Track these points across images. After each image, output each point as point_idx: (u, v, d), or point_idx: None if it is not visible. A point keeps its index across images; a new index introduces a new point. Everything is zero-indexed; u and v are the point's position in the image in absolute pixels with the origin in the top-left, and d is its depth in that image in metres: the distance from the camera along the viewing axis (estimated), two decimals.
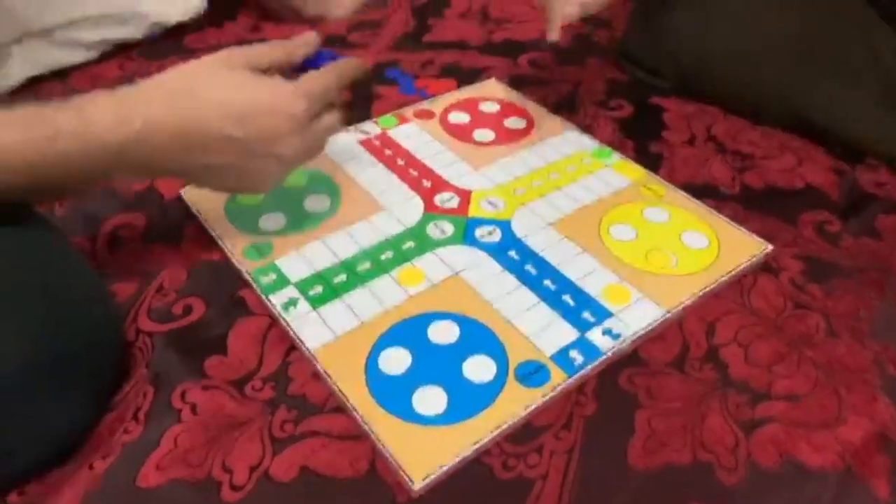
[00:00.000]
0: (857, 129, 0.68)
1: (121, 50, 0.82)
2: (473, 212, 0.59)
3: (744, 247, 0.56)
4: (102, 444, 0.44)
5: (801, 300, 0.53)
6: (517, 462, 0.42)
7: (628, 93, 0.75)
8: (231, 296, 0.53)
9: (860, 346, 0.49)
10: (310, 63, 0.54)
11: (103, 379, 0.46)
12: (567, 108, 0.73)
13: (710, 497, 0.40)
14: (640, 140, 0.68)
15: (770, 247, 0.56)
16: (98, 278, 0.48)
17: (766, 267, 0.55)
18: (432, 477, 0.41)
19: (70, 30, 0.78)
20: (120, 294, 0.53)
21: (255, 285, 0.52)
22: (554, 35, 0.61)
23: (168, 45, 0.84)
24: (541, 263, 0.54)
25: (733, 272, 0.54)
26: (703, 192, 0.62)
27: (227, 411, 0.45)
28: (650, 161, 0.65)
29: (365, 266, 0.54)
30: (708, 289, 0.52)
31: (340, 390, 0.45)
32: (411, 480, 0.40)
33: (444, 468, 0.41)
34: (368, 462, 0.42)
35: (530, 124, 0.70)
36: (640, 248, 0.55)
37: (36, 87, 0.77)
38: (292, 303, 0.51)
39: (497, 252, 0.55)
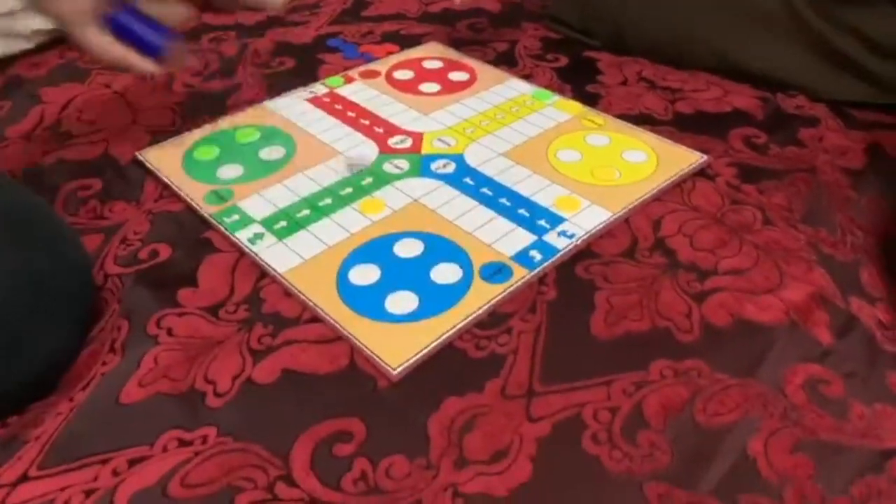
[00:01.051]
0: (774, 68, 0.73)
1: (60, 39, 0.83)
2: (427, 149, 0.62)
3: (681, 158, 0.60)
4: (80, 378, 0.44)
5: (737, 198, 0.57)
6: (488, 343, 0.44)
7: (562, 48, 0.80)
8: (196, 238, 0.54)
9: (795, 231, 0.53)
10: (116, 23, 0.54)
11: (81, 313, 0.46)
12: (507, 62, 0.77)
13: (671, 353, 0.43)
14: (578, 84, 0.72)
15: (705, 157, 0.60)
16: (64, 221, 0.49)
17: (702, 174, 0.59)
18: (410, 362, 0.42)
19: (6, 20, 0.78)
20: (86, 247, 0.53)
21: (219, 226, 0.54)
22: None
23: None
24: (495, 186, 0.57)
25: (673, 178, 0.57)
26: (639, 120, 0.66)
27: (204, 333, 0.46)
28: (588, 99, 0.69)
29: (326, 201, 0.56)
30: (651, 192, 0.56)
31: (314, 303, 0.47)
32: (390, 367, 0.42)
33: (420, 354, 0.43)
34: (348, 358, 0.44)
35: (473, 76, 0.73)
36: (585, 166, 0.59)
37: None
38: (258, 237, 0.52)
39: (453, 180, 0.58)
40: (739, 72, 0.74)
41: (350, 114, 0.67)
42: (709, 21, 0.74)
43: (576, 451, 0.38)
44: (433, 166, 0.59)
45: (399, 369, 0.42)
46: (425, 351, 0.43)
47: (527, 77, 0.73)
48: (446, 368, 0.43)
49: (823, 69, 0.72)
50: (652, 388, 0.41)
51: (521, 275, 0.48)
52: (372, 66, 0.75)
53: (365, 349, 0.43)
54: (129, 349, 0.45)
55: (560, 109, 0.67)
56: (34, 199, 0.49)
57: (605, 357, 0.43)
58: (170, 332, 0.46)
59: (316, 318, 0.46)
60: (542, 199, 0.55)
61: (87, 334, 0.47)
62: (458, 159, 0.60)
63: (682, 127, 0.65)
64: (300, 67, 0.76)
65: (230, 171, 0.59)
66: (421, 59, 0.76)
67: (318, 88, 0.71)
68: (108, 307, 0.49)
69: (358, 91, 0.70)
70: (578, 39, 0.81)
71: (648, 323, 0.45)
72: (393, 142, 0.63)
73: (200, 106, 0.70)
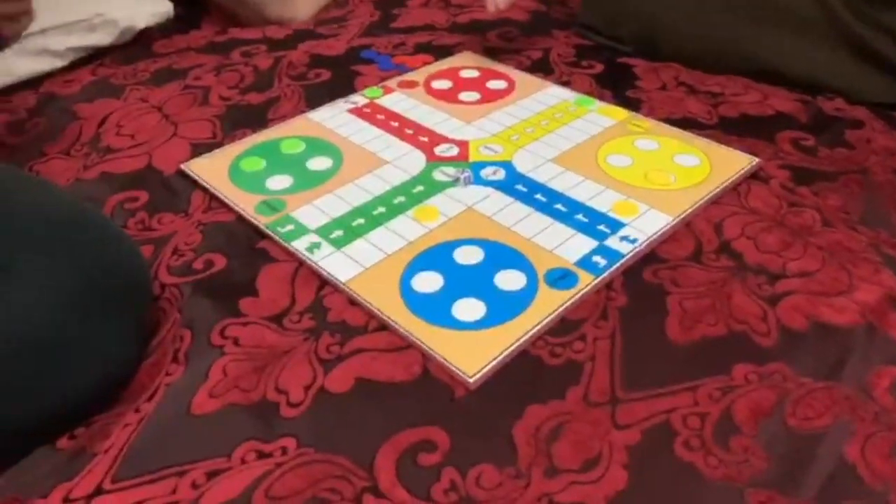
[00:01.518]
0: (812, 72, 0.73)
1: (92, 56, 0.82)
2: (474, 157, 0.61)
3: (733, 161, 0.59)
4: (144, 389, 0.43)
5: (793, 200, 0.56)
6: (563, 350, 0.43)
7: (596, 55, 0.79)
8: (251, 248, 0.53)
9: (855, 233, 0.53)
10: None
11: (139, 320, 0.45)
12: (543, 69, 0.76)
13: (752, 357, 0.42)
14: (617, 90, 0.72)
15: (757, 159, 0.60)
16: (118, 226, 0.48)
17: (755, 177, 0.59)
18: (486, 370, 0.42)
19: (41, 38, 0.77)
20: None
21: (274, 236, 0.53)
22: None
23: (137, 50, 0.85)
24: (548, 192, 0.56)
25: (728, 181, 0.57)
26: (683, 124, 0.66)
27: (270, 342, 0.45)
28: (630, 105, 0.69)
29: (380, 210, 0.55)
30: (708, 196, 0.55)
31: (380, 311, 0.46)
32: (466, 375, 0.41)
33: (495, 361, 0.42)
34: (421, 367, 0.43)
35: (511, 84, 0.73)
36: (638, 171, 0.58)
37: (8, 97, 0.77)
38: (315, 246, 0.52)
39: (505, 187, 0.57)
40: (776, 75, 0.73)
41: (393, 123, 0.66)
42: (744, 26, 0.74)
43: (669, 458, 0.37)
44: (483, 173, 0.59)
45: (476, 377, 0.41)
46: (500, 358, 0.42)
47: (565, 84, 0.73)
48: (523, 376, 0.42)
49: (861, 71, 0.71)
50: (738, 392, 0.40)
51: (587, 281, 0.48)
52: (409, 77, 0.74)
53: (438, 357, 0.43)
54: (193, 359, 0.44)
55: (604, 115, 0.67)
56: (86, 206, 0.48)
57: (685, 362, 0.42)
58: (236, 342, 0.45)
59: (383, 327, 0.46)
60: (599, 205, 0.54)
61: (146, 343, 0.46)
62: (508, 166, 0.60)
63: (728, 130, 0.65)
64: (337, 79, 0.75)
65: (279, 182, 0.59)
66: (457, 69, 0.76)
67: (358, 99, 0.71)
68: (166, 317, 0.48)
69: (398, 101, 0.70)
70: (609, 46, 0.81)
71: (724, 327, 0.44)
72: (440, 150, 0.62)
73: (240, 118, 0.69)
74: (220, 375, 0.43)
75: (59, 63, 0.80)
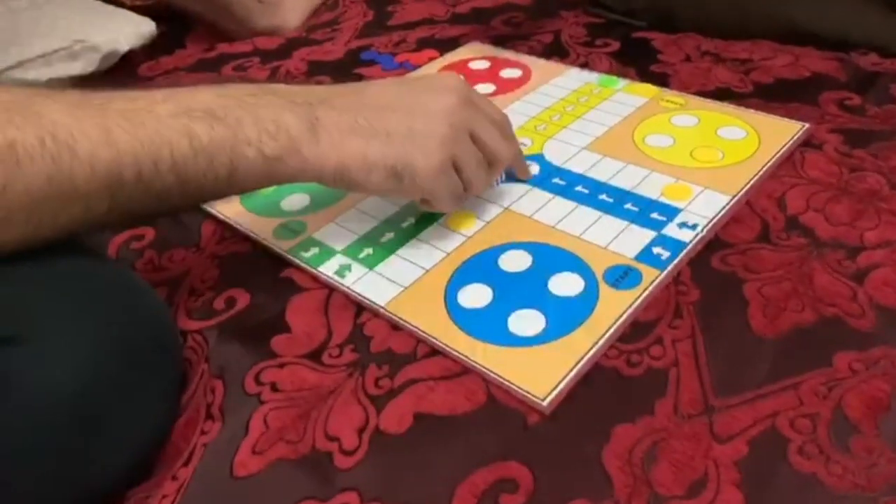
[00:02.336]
0: (840, 29, 0.68)
1: (75, 85, 0.77)
2: None
3: (781, 130, 0.55)
4: (180, 452, 0.39)
5: (853, 164, 0.52)
6: (640, 357, 0.39)
7: (610, 32, 0.75)
8: (275, 278, 0.48)
9: None
10: None
11: (171, 379, 0.41)
12: (556, 53, 0.72)
13: (852, 344, 0.38)
14: (640, 66, 0.67)
15: (806, 125, 0.55)
16: (137, 275, 0.44)
17: (806, 144, 0.54)
18: (559, 389, 0.37)
19: (19, 71, 0.73)
20: None
21: (298, 262, 0.48)
22: None
23: (122, 75, 0.80)
24: (590, 182, 0.52)
25: (781, 151, 0.52)
26: (718, 95, 0.61)
27: (312, 383, 0.40)
28: (657, 80, 0.64)
29: (409, 222, 0.50)
30: (764, 170, 0.51)
31: (429, 334, 0.41)
32: (538, 398, 0.37)
33: (567, 379, 0.38)
34: (484, 393, 0.38)
35: (527, 72, 0.68)
36: (681, 150, 0.54)
37: None
38: (346, 268, 0.47)
39: (541, 182, 0.53)
40: (803, 35, 0.69)
41: None
42: None
43: (787, 471, 0.32)
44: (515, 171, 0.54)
45: (549, 399, 0.37)
46: (572, 374, 0.38)
47: (584, 66, 0.69)
48: (602, 392, 0.37)
49: (892, 23, 0.67)
50: (846, 385, 0.36)
51: (651, 276, 0.43)
52: (417, 74, 0.70)
53: (502, 380, 0.38)
54: (229, 413, 0.40)
55: (633, 94, 0.62)
56: (97, 256, 0.43)
57: (778, 357, 0.38)
58: (274, 388, 0.40)
59: (435, 351, 0.41)
60: (647, 191, 0.50)
61: (178, 401, 0.42)
62: (539, 159, 0.55)
63: (768, 97, 0.61)
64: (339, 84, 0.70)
65: (296, 202, 0.54)
66: (466, 61, 0.71)
67: None
68: (194, 368, 0.43)
69: None
70: (623, 21, 0.77)
71: (813, 312, 0.40)
72: None
73: None
74: (262, 428, 0.38)
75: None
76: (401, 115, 0.42)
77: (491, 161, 0.46)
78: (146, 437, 0.38)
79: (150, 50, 0.85)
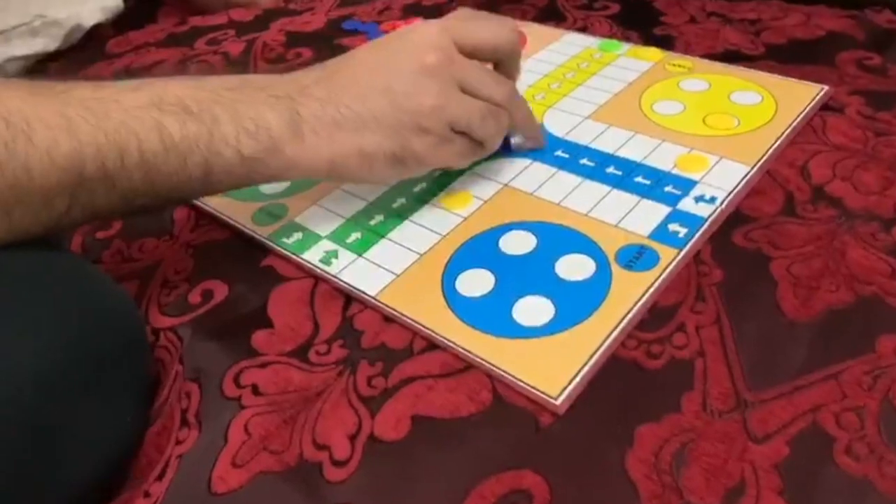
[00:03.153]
0: None
1: (38, 64, 0.72)
2: None
3: (799, 93, 0.51)
4: (152, 464, 0.35)
5: (878, 128, 0.48)
6: (662, 347, 0.35)
7: None
8: (255, 268, 0.44)
9: None
10: None
11: (142, 384, 0.37)
12: (552, 17, 0.67)
13: (894, 327, 0.34)
14: (643, 29, 0.63)
15: (825, 87, 0.51)
16: (98, 269, 0.39)
17: (826, 107, 0.50)
18: (573, 386, 0.33)
19: None
20: None
21: (280, 249, 0.44)
22: None
23: (89, 52, 0.75)
24: (595, 154, 0.48)
25: (800, 116, 0.48)
26: (728, 58, 0.57)
27: (298, 384, 0.36)
28: (662, 43, 0.60)
29: (400, 202, 0.46)
30: (784, 136, 0.47)
31: (426, 326, 0.37)
32: (550, 397, 0.33)
33: (582, 373, 0.34)
34: (490, 392, 0.34)
35: (522, 38, 0.63)
36: (693, 117, 0.50)
37: None
38: (332, 255, 0.43)
39: (542, 155, 0.48)
40: None
41: None
42: None
43: (835, 474, 0.29)
44: (514, 143, 0.50)
45: (562, 398, 0.33)
46: (587, 368, 0.34)
47: (582, 30, 0.64)
48: (621, 388, 0.33)
49: None
50: (893, 374, 0.32)
51: (669, 256, 0.39)
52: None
53: (508, 377, 0.34)
54: (206, 419, 0.36)
55: (636, 58, 0.58)
56: (49, 245, 0.39)
57: (814, 343, 0.34)
58: (255, 391, 0.36)
59: (433, 345, 0.37)
60: (659, 162, 0.46)
61: (149, 408, 0.38)
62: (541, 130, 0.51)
63: (781, 59, 0.56)
64: (321, 57, 0.65)
65: (276, 184, 0.50)
66: None
67: None
68: (167, 370, 0.39)
69: None
70: None
71: (850, 292, 0.36)
72: None
73: None
74: (243, 436, 0.34)
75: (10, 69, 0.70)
76: (383, 93, 0.39)
77: (493, 110, 0.42)
78: (112, 450, 0.34)
79: (119, 25, 0.80)
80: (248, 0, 0.84)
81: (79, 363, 0.32)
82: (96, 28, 0.76)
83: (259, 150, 0.37)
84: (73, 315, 0.33)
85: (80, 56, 0.74)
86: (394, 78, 0.39)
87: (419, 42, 0.41)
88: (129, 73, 0.68)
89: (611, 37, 0.62)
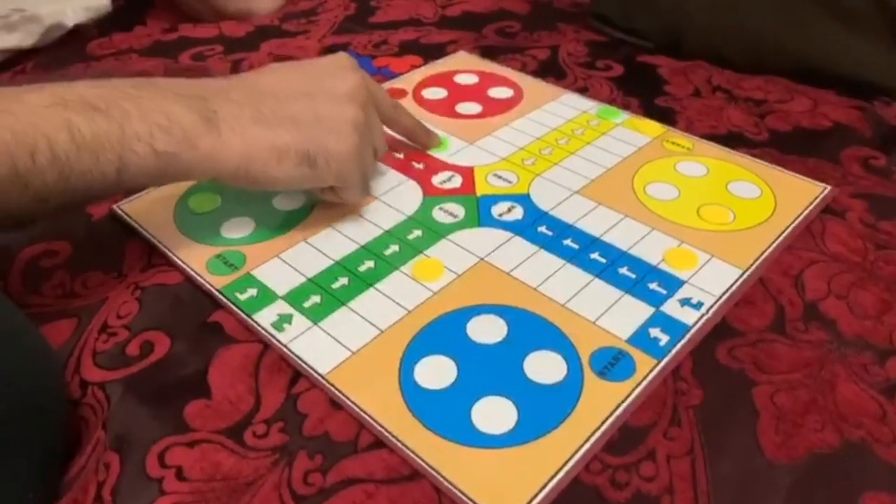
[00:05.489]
0: (866, 72, 0.62)
1: (11, 61, 0.69)
2: (482, 189, 0.49)
3: (800, 191, 0.48)
4: None
5: (879, 240, 0.45)
6: (628, 476, 0.32)
7: (612, 52, 0.68)
8: (202, 323, 0.41)
9: None
10: None
11: (50, 458, 0.33)
12: (552, 72, 0.65)
13: (880, 483, 0.31)
14: (644, 97, 0.61)
15: (828, 188, 0.49)
16: (26, 319, 0.36)
17: (828, 210, 0.48)
18: None
19: None
20: (51, 340, 0.40)
21: (231, 305, 0.41)
22: None
23: (68, 52, 0.71)
24: (580, 236, 0.45)
25: (799, 219, 0.46)
26: (729, 141, 0.55)
27: (227, 470, 0.33)
28: (662, 116, 0.58)
29: (368, 265, 0.43)
30: (779, 240, 0.44)
31: (375, 420, 0.34)
32: None
33: (538, 499, 0.31)
34: None
35: (518, 93, 0.61)
36: (687, 205, 0.47)
37: None
38: (285, 319, 0.40)
39: (524, 230, 0.45)
40: (820, 75, 0.63)
41: None
42: (784, 18, 0.63)
43: None
44: (496, 211, 0.47)
45: None
46: (545, 493, 0.31)
47: (582, 91, 0.61)
48: None
49: None
50: None
51: (647, 367, 0.36)
52: (395, 84, 0.62)
53: (459, 494, 0.31)
54: (122, 499, 0.32)
55: (634, 130, 0.55)
56: None
57: (793, 492, 0.31)
58: (180, 475, 0.33)
59: (380, 443, 0.34)
60: (647, 254, 0.43)
61: (59, 479, 0.34)
62: (525, 200, 0.48)
63: (784, 148, 0.54)
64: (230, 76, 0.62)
65: (238, 228, 0.46)
66: (451, 74, 0.64)
67: None
68: (89, 432, 0.36)
69: None
70: (627, 41, 0.70)
71: (836, 434, 0.33)
72: (438, 180, 0.50)
73: None
74: None
75: None
76: (305, 101, 0.41)
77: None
78: None
79: (107, 23, 0.77)
80: (243, 11, 0.81)
81: None
82: (81, 27, 0.72)
83: (173, 145, 0.37)
84: None
85: (57, 54, 0.70)
86: (318, 91, 0.42)
87: (344, 66, 0.44)
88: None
89: (611, 102, 0.59)
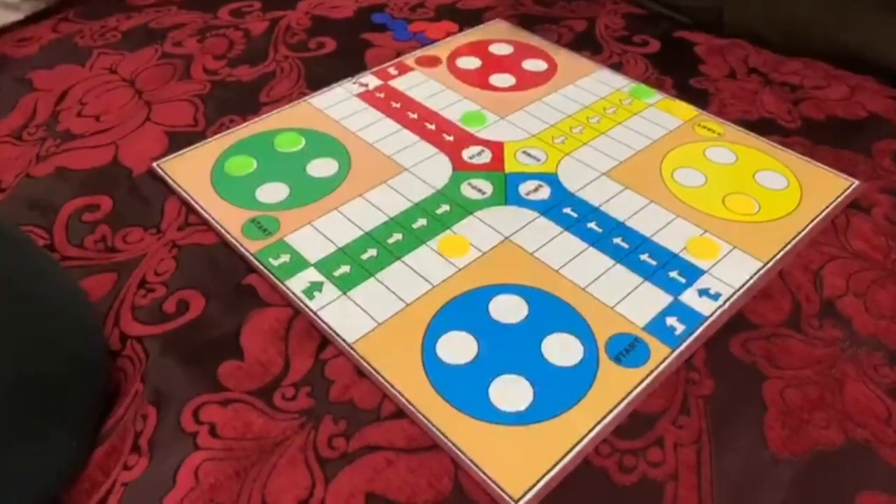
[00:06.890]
0: None
1: (53, 10, 0.70)
2: (511, 166, 0.50)
3: (827, 184, 0.49)
4: (95, 487, 0.34)
5: None
6: (636, 461, 0.33)
7: (650, 27, 0.67)
8: (237, 285, 0.43)
9: None
10: None
11: (92, 406, 0.35)
12: (588, 46, 0.64)
13: (879, 483, 0.33)
14: (679, 76, 0.60)
15: (856, 182, 0.49)
16: (67, 275, 0.38)
17: (854, 205, 0.48)
18: (535, 490, 0.32)
19: None
20: (92, 292, 0.42)
21: (264, 270, 0.42)
22: None
23: (109, 2, 0.72)
24: (605, 220, 0.46)
25: (824, 213, 0.46)
26: (761, 127, 0.54)
27: (257, 430, 0.35)
28: (696, 98, 0.57)
29: (396, 238, 0.44)
30: (802, 234, 0.45)
31: (398, 391, 0.36)
32: (510, 497, 0.32)
33: (547, 477, 0.32)
34: (451, 479, 0.33)
35: (552, 66, 0.61)
36: (713, 193, 0.48)
37: None
38: (316, 287, 0.41)
39: (550, 210, 0.46)
40: (860, 61, 0.62)
41: (411, 115, 0.55)
42: (828, 3, 0.62)
43: None
44: (523, 190, 0.48)
45: (523, 502, 0.32)
46: (555, 471, 0.33)
47: (616, 67, 0.61)
48: (584, 500, 0.32)
49: None
50: None
51: (661, 354, 0.37)
52: (430, 51, 0.62)
53: (474, 467, 0.33)
54: (158, 449, 0.35)
55: (666, 112, 0.55)
56: (14, 238, 0.37)
57: (794, 486, 0.33)
58: (213, 432, 0.35)
59: (401, 412, 0.36)
60: (670, 241, 0.44)
61: (100, 427, 0.36)
62: (552, 180, 0.49)
63: (816, 138, 0.54)
64: (343, 50, 0.63)
65: (273, 192, 0.48)
66: (487, 43, 0.64)
67: (369, 80, 0.59)
68: (128, 384, 0.38)
69: (417, 84, 0.58)
70: (666, 15, 0.69)
71: (841, 432, 0.35)
72: (468, 154, 0.51)
73: (227, 99, 0.57)
74: (191, 482, 0.33)
75: (12, 17, 0.67)
76: None
77: None
78: (48, 477, 0.33)
79: None
80: None
81: (14, 394, 0.30)
82: None
83: None
84: (18, 328, 0.31)
85: (97, 5, 0.71)
86: None
87: None
88: (146, 33, 0.66)
89: (645, 80, 0.59)
